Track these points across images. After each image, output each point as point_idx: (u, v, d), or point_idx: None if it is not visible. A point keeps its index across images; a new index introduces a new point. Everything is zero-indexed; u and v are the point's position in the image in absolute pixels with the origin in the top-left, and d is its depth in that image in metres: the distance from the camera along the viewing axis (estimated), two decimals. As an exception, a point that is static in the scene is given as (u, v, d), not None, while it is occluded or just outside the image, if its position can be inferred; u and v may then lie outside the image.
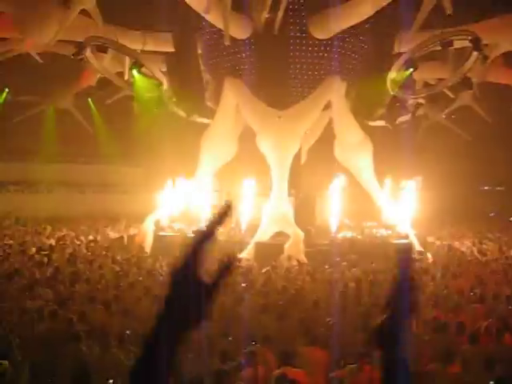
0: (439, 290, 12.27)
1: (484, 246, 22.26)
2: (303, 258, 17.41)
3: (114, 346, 7.58)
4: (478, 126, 31.08)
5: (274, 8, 20.00)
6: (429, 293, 11.71)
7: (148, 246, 20.38)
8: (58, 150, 31.75)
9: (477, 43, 19.42)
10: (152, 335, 1.39)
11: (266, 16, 20.57)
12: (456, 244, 22.90)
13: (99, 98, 28.00)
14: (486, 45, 20.79)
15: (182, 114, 24.60)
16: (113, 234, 24.26)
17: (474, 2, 21.05)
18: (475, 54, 19.92)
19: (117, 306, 9.74)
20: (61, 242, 19.79)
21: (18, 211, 27.51)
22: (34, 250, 17.37)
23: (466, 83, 21.61)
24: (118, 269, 14.15)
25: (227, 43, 19.98)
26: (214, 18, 19.69)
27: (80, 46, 20.22)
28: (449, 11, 17.94)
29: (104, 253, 17.59)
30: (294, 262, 16.45)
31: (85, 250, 18.24)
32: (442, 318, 9.26)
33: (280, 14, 20.14)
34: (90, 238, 22.10)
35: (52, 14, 18.44)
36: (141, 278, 12.90)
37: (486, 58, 21.40)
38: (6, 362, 6.11)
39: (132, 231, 24.30)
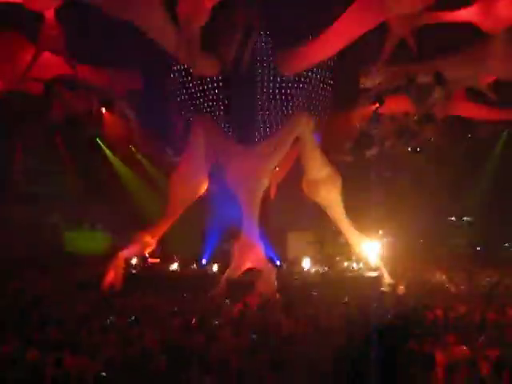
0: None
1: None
2: (275, 294, 17.30)
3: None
4: (443, 157, 31.61)
5: (242, 46, 20.26)
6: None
7: (118, 284, 20.08)
8: (22, 189, 31.19)
9: (439, 78, 19.93)
10: None
11: (235, 54, 20.81)
12: (427, 276, 23.06)
13: (67, 135, 27.75)
14: (449, 80, 21.33)
15: (150, 151, 24.60)
16: (82, 274, 23.81)
17: (439, 37, 21.59)
18: (438, 88, 20.41)
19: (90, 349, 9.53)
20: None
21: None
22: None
23: (429, 117, 22.08)
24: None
25: (195, 81, 20.17)
26: (182, 57, 19.83)
27: (49, 84, 20.12)
28: (413, 48, 18.41)
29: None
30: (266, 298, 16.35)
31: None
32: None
33: (248, 52, 20.40)
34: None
35: (19, 53, 18.38)
36: (111, 319, 12.66)
37: (448, 92, 21.95)
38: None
39: (102, 270, 23.90)
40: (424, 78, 21.11)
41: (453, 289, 18.67)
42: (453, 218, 39.19)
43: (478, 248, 33.27)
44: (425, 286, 19.52)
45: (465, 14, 18.48)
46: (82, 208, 32.18)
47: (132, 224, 24.15)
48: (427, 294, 16.65)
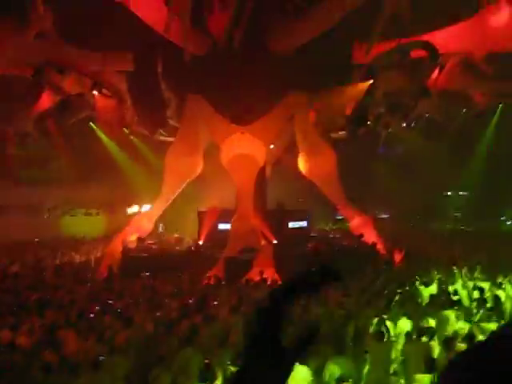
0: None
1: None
2: (274, 272, 17.33)
3: (88, 373, 7.45)
4: (438, 133, 31.57)
5: (234, 24, 20.07)
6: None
7: (116, 266, 20.09)
8: (21, 174, 31.21)
9: (433, 53, 19.79)
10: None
11: (227, 32, 20.61)
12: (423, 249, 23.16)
13: (60, 119, 27.61)
14: (443, 54, 21.19)
15: (144, 132, 24.47)
16: (79, 257, 23.89)
17: (431, 11, 21.41)
18: (432, 62, 20.30)
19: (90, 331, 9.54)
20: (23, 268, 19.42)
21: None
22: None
23: (424, 92, 21.96)
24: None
25: (187, 59, 19.96)
26: (173, 36, 19.65)
27: (39, 68, 19.93)
28: (405, 22, 18.26)
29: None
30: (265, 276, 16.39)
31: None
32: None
33: (240, 29, 20.20)
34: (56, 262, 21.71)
35: (8, 36, 18.18)
36: (111, 302, 12.68)
37: (442, 66, 21.83)
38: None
39: (98, 253, 23.95)
40: (418, 53, 20.95)
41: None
42: (449, 193, 39.34)
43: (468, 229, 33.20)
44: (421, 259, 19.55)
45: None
46: (78, 192, 32.21)
47: (128, 206, 24.14)
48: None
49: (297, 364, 6.90)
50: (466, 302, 11.59)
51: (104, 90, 22.73)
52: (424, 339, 8.60)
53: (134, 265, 19.52)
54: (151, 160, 24.32)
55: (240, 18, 19.85)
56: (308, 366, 7.31)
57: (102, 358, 7.85)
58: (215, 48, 21.34)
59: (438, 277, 14.40)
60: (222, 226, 22.76)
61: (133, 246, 21.92)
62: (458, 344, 8.46)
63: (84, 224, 31.52)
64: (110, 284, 15.91)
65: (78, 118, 25.83)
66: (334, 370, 7.59)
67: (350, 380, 7.04)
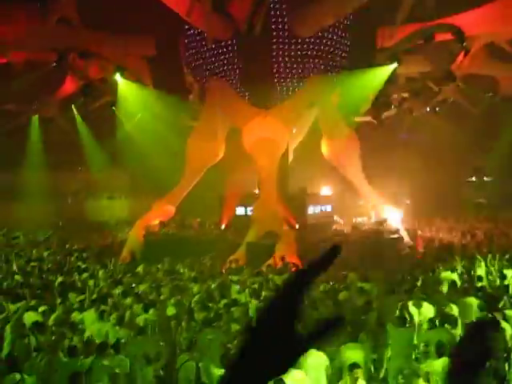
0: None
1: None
2: (296, 258, 17.29)
3: (110, 355, 7.53)
4: (462, 118, 31.18)
5: (256, 8, 19.93)
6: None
7: (138, 251, 20.23)
8: (44, 159, 31.51)
9: (459, 36, 19.47)
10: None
11: (249, 16, 20.46)
12: (446, 236, 23.00)
13: (82, 104, 27.78)
14: (468, 37, 20.83)
15: (167, 116, 24.49)
16: (101, 241, 24.09)
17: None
18: (458, 46, 19.97)
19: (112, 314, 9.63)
20: (49, 252, 19.64)
21: (6, 221, 27.29)
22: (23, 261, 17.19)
23: (449, 76, 21.65)
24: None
25: (209, 45, 19.89)
26: (195, 20, 19.59)
27: (62, 54, 20.02)
28: (430, 4, 17.96)
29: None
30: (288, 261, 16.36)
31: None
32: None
33: (262, 13, 20.04)
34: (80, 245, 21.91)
35: (32, 22, 18.28)
36: (134, 285, 12.77)
37: (468, 50, 21.46)
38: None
39: (121, 237, 24.12)
40: (442, 37, 20.62)
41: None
42: (473, 179, 38.90)
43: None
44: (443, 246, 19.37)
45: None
46: (101, 176, 32.45)
47: (150, 191, 24.25)
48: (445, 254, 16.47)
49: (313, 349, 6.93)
50: (488, 288, 11.45)
51: (126, 74, 22.75)
52: (447, 326, 8.53)
53: (156, 249, 19.62)
54: (174, 144, 24.32)
55: (262, 1, 19.69)
56: (325, 352, 7.30)
57: (123, 340, 7.92)
58: (237, 32, 21.20)
59: (461, 263, 14.25)
60: (241, 211, 22.74)
61: (155, 230, 22.04)
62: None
63: (107, 208, 31.80)
64: (133, 268, 16.01)
65: (100, 102, 25.98)
66: (347, 355, 7.59)
67: (361, 367, 6.99)
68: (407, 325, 8.77)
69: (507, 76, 27.48)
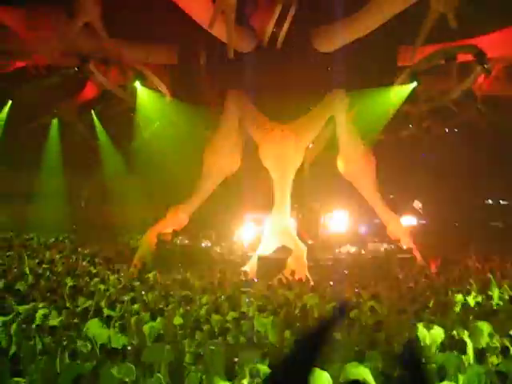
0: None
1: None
2: (306, 274, 17.21)
3: (116, 362, 7.51)
4: (480, 139, 30.99)
5: (279, 21, 19.97)
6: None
7: (150, 258, 20.24)
8: (62, 162, 31.79)
9: (480, 57, 19.39)
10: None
11: (271, 30, 20.49)
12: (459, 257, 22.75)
13: (102, 110, 28.01)
14: (490, 58, 20.74)
15: (184, 126, 24.63)
16: (114, 247, 24.14)
17: (478, 16, 20.99)
18: (479, 67, 19.88)
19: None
20: (61, 255, 19.73)
21: (21, 223, 27.55)
22: (35, 262, 17.28)
23: (469, 97, 21.54)
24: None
25: (231, 56, 19.92)
26: (218, 32, 19.65)
27: (84, 59, 20.19)
28: (453, 25, 17.89)
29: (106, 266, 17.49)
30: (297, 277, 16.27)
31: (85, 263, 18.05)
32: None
33: (285, 27, 20.07)
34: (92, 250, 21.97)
35: (56, 27, 18.48)
36: (143, 293, 12.76)
37: (489, 71, 21.35)
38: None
39: (134, 243, 24.17)
40: (464, 57, 20.55)
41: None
42: (490, 201, 38.54)
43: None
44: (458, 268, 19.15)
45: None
46: (116, 182, 32.60)
47: (165, 199, 24.30)
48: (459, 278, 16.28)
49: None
50: (501, 313, 11.30)
51: (146, 82, 22.92)
52: (457, 351, 8.41)
53: (167, 257, 19.64)
54: (190, 154, 24.39)
55: (284, 16, 19.72)
56: (328, 371, 7.22)
57: (129, 347, 7.91)
58: (259, 45, 21.25)
59: (474, 286, 14.08)
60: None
61: (168, 238, 22.05)
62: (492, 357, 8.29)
63: (121, 214, 31.87)
64: (143, 275, 16.01)
65: (119, 109, 26.17)
66: (350, 373, 7.52)
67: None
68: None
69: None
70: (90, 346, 8.24)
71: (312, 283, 15.44)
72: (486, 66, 19.73)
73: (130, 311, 10.59)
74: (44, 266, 16.65)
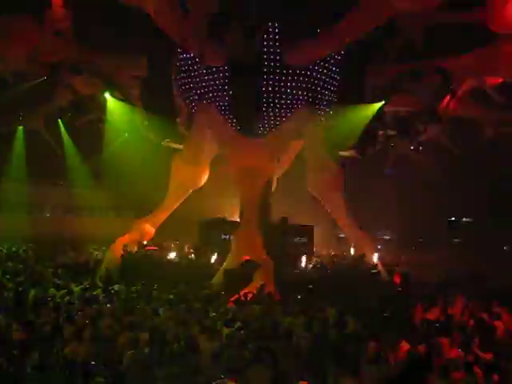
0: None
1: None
2: (273, 287, 17.24)
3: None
4: (445, 158, 31.56)
5: (251, 36, 20.12)
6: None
7: (116, 270, 20.04)
8: (26, 171, 31.37)
9: (446, 78, 19.83)
10: None
11: (243, 44, 20.62)
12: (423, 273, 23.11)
13: (70, 119, 27.72)
14: (455, 79, 21.25)
15: (153, 138, 24.54)
16: (79, 258, 23.85)
17: (446, 37, 21.49)
18: (444, 87, 20.35)
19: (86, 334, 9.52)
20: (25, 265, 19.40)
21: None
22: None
23: (434, 116, 21.99)
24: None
25: (202, 70, 20.01)
26: (189, 45, 19.74)
27: (54, 67, 20.03)
28: (419, 46, 18.34)
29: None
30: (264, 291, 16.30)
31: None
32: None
33: (256, 42, 20.24)
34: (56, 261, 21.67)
35: (27, 35, 18.32)
36: (108, 305, 12.64)
37: (454, 92, 21.86)
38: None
39: (99, 255, 23.92)
40: (430, 78, 21.01)
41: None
42: (452, 219, 39.24)
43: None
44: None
45: (474, 15, 18.43)
46: (83, 193, 32.30)
47: (132, 211, 24.16)
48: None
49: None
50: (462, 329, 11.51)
51: (116, 93, 22.83)
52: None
53: (133, 269, 19.48)
54: (159, 166, 24.32)
55: (257, 30, 19.91)
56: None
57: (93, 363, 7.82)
58: (230, 59, 21.35)
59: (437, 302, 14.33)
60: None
61: (133, 250, 21.90)
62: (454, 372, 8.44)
63: (87, 225, 31.55)
64: (107, 287, 15.82)
65: (88, 119, 25.93)
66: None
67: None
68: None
69: (491, 120, 28.00)
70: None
71: (278, 297, 15.51)
72: (450, 86, 20.21)
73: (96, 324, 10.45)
74: (7, 276, 16.36)
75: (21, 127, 30.78)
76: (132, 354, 8.54)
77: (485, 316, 12.53)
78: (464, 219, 39.08)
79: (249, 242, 19.80)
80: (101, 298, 13.74)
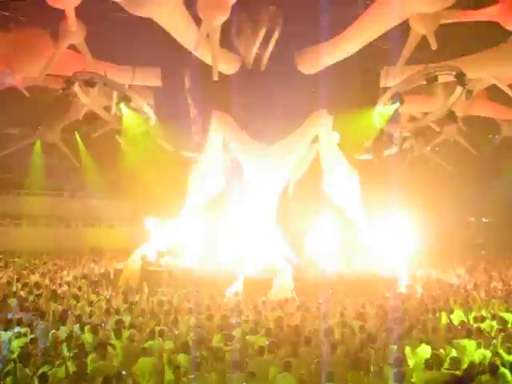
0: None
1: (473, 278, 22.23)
2: (293, 293, 17.18)
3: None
4: (462, 158, 31.34)
5: (263, 44, 20.19)
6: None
7: (135, 280, 20.07)
8: (44, 184, 31.68)
9: (461, 78, 19.67)
10: None
11: (255, 52, 20.71)
12: (445, 276, 22.92)
13: (86, 131, 27.93)
14: (470, 79, 21.07)
15: (169, 148, 24.64)
16: (98, 269, 23.97)
17: (459, 38, 21.37)
18: (459, 88, 20.19)
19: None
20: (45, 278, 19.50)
21: (3, 243, 27.38)
22: (19, 285, 17.06)
23: (450, 117, 21.81)
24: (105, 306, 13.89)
25: (215, 79, 20.04)
26: (202, 54, 19.82)
27: (68, 81, 20.19)
28: (433, 47, 18.20)
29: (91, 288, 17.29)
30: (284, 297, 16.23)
31: (68, 286, 17.77)
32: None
33: (269, 50, 20.30)
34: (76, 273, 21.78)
35: (41, 49, 18.51)
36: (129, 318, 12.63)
37: (470, 92, 21.67)
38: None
39: (118, 265, 24.02)
40: (445, 78, 20.86)
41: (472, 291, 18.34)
42: (472, 219, 38.93)
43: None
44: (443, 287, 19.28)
45: (488, 13, 18.28)
46: (102, 204, 32.52)
47: (150, 220, 24.21)
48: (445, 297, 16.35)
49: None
50: (487, 331, 11.37)
51: (131, 104, 22.94)
52: (444, 368, 8.46)
53: (152, 279, 19.50)
54: (176, 175, 24.40)
55: (268, 38, 19.96)
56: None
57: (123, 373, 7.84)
58: (243, 67, 21.43)
59: (459, 305, 14.19)
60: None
61: (153, 260, 21.96)
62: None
63: (106, 236, 31.75)
64: (128, 297, 15.83)
65: (103, 130, 26.12)
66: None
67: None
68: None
69: (507, 118, 27.79)
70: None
71: (298, 303, 15.44)
72: (465, 86, 20.02)
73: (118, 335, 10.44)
74: (27, 288, 16.46)
75: (38, 141, 31.06)
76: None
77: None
78: (484, 220, 38.79)
79: (267, 247, 19.82)
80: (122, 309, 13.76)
